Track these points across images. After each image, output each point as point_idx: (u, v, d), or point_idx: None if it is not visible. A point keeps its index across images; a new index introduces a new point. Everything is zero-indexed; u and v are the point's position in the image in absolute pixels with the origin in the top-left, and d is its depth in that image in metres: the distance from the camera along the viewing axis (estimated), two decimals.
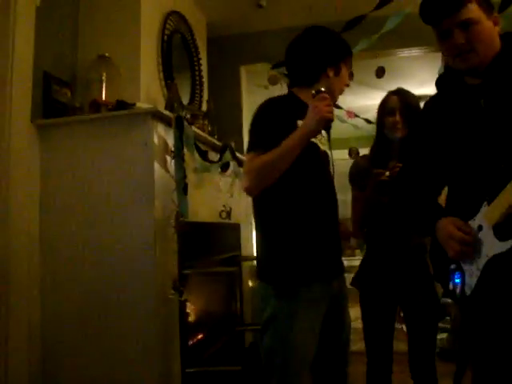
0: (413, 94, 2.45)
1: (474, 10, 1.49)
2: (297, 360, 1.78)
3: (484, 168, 1.48)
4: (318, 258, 1.84)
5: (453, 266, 1.52)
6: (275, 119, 1.81)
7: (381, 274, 2.32)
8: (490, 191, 1.40)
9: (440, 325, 4.81)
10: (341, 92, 1.96)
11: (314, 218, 1.85)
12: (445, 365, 2.97)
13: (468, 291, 1.46)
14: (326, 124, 1.76)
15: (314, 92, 1.76)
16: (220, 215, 3.51)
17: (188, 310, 3.14)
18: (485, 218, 1.41)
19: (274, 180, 1.76)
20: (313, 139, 1.81)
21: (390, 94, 2.44)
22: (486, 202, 1.41)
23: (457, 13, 1.49)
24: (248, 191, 1.83)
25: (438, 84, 1.71)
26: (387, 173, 2.21)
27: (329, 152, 1.96)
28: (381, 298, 2.31)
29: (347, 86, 1.97)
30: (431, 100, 1.74)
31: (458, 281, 1.51)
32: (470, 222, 1.47)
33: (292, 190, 1.84)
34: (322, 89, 1.76)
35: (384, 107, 2.42)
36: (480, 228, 1.43)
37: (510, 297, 1.41)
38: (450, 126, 1.59)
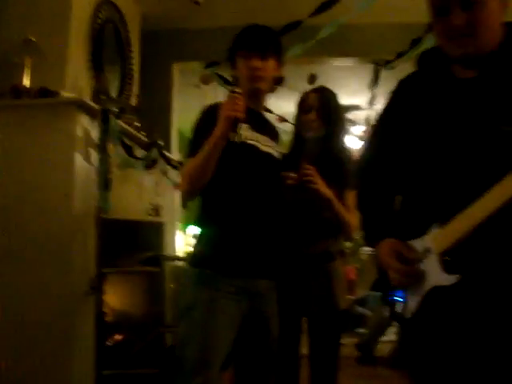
0: (333, 93, 2.36)
1: None
2: (209, 350, 1.78)
3: (446, 182, 1.30)
4: (240, 253, 1.87)
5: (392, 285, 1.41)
6: (202, 125, 1.91)
7: (283, 282, 2.15)
8: (444, 212, 1.24)
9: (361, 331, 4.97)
10: (250, 86, 1.93)
11: (239, 214, 1.89)
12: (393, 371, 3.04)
13: (408, 314, 1.36)
14: (233, 122, 1.78)
15: (230, 92, 1.86)
16: (149, 213, 3.44)
17: (106, 310, 3.04)
18: (434, 241, 1.27)
19: (205, 181, 1.83)
20: (251, 141, 1.90)
21: (310, 91, 2.36)
22: (437, 224, 1.26)
23: None
24: (186, 195, 1.97)
25: (420, 61, 1.47)
26: (293, 175, 2.08)
27: (274, 153, 1.99)
28: (283, 308, 2.13)
29: (253, 81, 1.92)
30: (407, 79, 1.49)
31: (399, 299, 1.40)
32: (417, 241, 1.32)
33: (221, 187, 1.90)
34: (236, 89, 1.83)
35: (301, 104, 2.34)
36: (427, 251, 1.29)
37: (446, 332, 1.32)
38: (419, 121, 1.38)
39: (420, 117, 1.38)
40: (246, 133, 1.91)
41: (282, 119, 5.13)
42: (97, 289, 2.65)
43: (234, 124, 1.78)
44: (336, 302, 2.19)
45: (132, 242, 3.30)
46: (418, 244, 1.32)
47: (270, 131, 2.05)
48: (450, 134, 1.30)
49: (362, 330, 4.89)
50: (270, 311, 1.95)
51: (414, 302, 1.34)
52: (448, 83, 1.36)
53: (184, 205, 2.03)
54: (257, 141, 1.93)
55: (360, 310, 5.45)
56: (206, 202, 1.96)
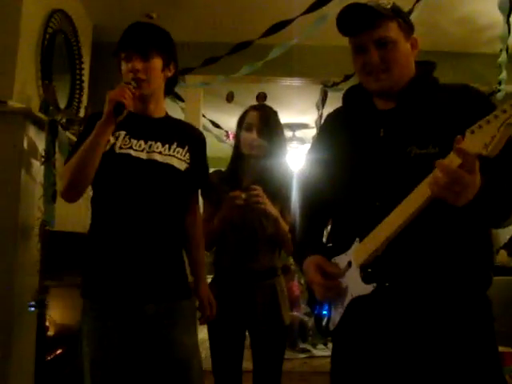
0: (274, 111, 2.35)
1: (393, 29, 1.39)
2: (94, 376, 1.70)
3: (362, 203, 1.42)
4: (113, 274, 1.75)
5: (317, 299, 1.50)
6: (86, 129, 1.81)
7: (228, 297, 2.17)
8: (362, 228, 1.35)
9: None
10: (135, 86, 1.76)
11: (113, 233, 1.78)
12: None
13: (331, 326, 1.46)
14: (116, 106, 1.65)
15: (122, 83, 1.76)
16: None
17: (48, 324, 2.98)
18: (354, 255, 1.37)
19: (87, 177, 1.71)
20: (124, 150, 1.78)
21: (251, 108, 2.34)
22: (357, 239, 1.37)
23: (375, 29, 1.39)
24: (62, 196, 1.79)
25: (344, 97, 1.59)
26: (243, 195, 2.12)
27: (159, 159, 1.83)
28: (227, 324, 2.18)
29: (128, 83, 1.74)
30: (334, 113, 1.65)
31: (324, 313, 1.49)
32: (341, 256, 1.42)
33: (95, 199, 1.84)
34: (132, 82, 1.73)
35: (242, 122, 2.30)
36: (349, 264, 1.39)
37: (365, 338, 1.42)
38: (343, 147, 1.51)
39: (343, 143, 1.52)
40: (121, 141, 1.80)
41: (232, 135, 5.20)
42: (39, 302, 2.59)
43: (117, 108, 1.65)
44: (281, 317, 2.22)
45: (78, 255, 3.25)
46: (342, 259, 1.43)
47: (170, 137, 1.89)
48: (368, 157, 1.44)
49: (304, 346, 4.96)
50: (173, 334, 1.80)
51: (337, 315, 1.44)
52: (369, 114, 1.50)
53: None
54: (134, 148, 1.80)
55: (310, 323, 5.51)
56: (91, 221, 1.85)
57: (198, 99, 4.74)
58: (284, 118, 6.22)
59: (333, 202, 1.54)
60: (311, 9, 3.04)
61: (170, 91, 2.01)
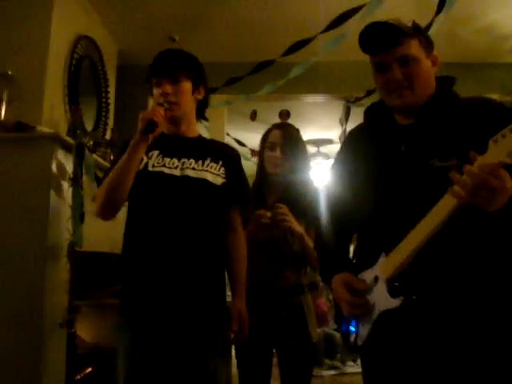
0: (296, 129, 2.39)
1: (414, 47, 1.42)
2: None
3: (387, 217, 1.43)
4: (150, 294, 1.76)
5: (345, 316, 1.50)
6: (121, 151, 1.86)
7: (255, 315, 2.09)
8: (388, 242, 1.37)
9: None
10: (167, 107, 1.82)
11: (144, 248, 1.80)
12: None
13: (360, 342, 1.46)
14: (147, 124, 1.71)
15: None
16: None
17: (78, 343, 3.02)
18: (381, 269, 1.38)
19: (121, 196, 1.76)
20: (157, 168, 1.82)
21: (273, 127, 2.39)
22: (383, 253, 1.38)
23: (396, 47, 1.41)
24: (97, 214, 1.84)
25: (366, 114, 1.63)
26: (268, 214, 2.16)
27: (192, 174, 1.85)
28: (255, 342, 2.13)
29: (160, 105, 1.82)
30: (356, 129, 1.69)
31: (352, 329, 1.49)
32: (368, 271, 1.43)
33: (130, 218, 1.87)
34: (165, 104, 1.81)
35: (265, 141, 2.35)
36: (376, 279, 1.40)
37: (396, 353, 1.42)
38: (365, 163, 1.54)
39: (366, 159, 1.54)
40: (154, 160, 1.85)
41: (257, 153, 5.23)
42: (69, 322, 2.63)
43: (149, 126, 1.71)
44: (309, 334, 2.22)
45: (107, 275, 3.30)
46: (369, 274, 1.43)
47: (203, 153, 1.91)
48: (391, 171, 1.46)
49: (332, 362, 4.91)
50: (207, 360, 1.79)
51: (365, 330, 1.44)
52: (390, 129, 1.53)
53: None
54: (167, 166, 1.83)
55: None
56: (124, 239, 1.88)
57: (221, 118, 4.79)
58: (308, 134, 6.26)
59: (357, 217, 1.56)
60: (331, 26, 3.07)
61: (202, 114, 2.05)
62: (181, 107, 1.87)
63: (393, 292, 1.34)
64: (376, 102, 1.60)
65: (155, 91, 1.87)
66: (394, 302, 1.33)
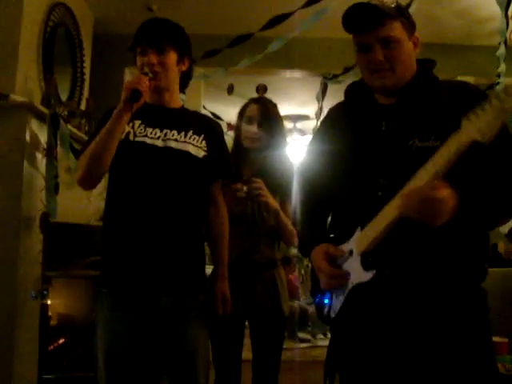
0: (274, 104, 2.38)
1: (396, 28, 1.43)
2: (107, 364, 1.74)
3: (364, 193, 1.47)
4: (133, 268, 1.77)
5: (321, 287, 1.53)
6: (102, 120, 1.83)
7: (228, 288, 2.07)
8: (364, 217, 1.40)
9: None
10: (151, 77, 1.80)
11: (130, 221, 1.79)
12: None
13: (332, 314, 1.50)
14: (133, 94, 1.68)
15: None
16: (99, 217, 3.41)
17: (50, 314, 3.02)
18: (356, 244, 1.42)
19: (103, 164, 1.74)
20: (139, 138, 1.80)
21: (251, 101, 2.37)
22: (359, 227, 1.41)
23: (379, 28, 1.42)
24: (79, 184, 1.82)
25: (346, 92, 1.64)
26: (244, 188, 2.15)
27: (174, 146, 1.84)
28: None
29: (145, 74, 1.79)
30: (336, 107, 1.69)
31: (326, 301, 1.52)
32: (344, 245, 1.46)
33: (110, 188, 1.86)
34: (149, 73, 1.78)
35: (242, 115, 2.33)
36: (351, 253, 1.43)
37: (367, 325, 1.46)
38: (345, 140, 1.55)
39: (345, 136, 1.56)
40: (136, 130, 1.83)
41: (233, 127, 5.21)
42: (41, 292, 2.62)
43: (134, 95, 1.68)
44: (281, 307, 2.25)
45: (80, 247, 3.29)
46: (345, 247, 1.47)
47: (185, 125, 1.90)
48: (370, 149, 1.49)
49: (303, 335, 5.01)
50: (186, 328, 1.81)
51: (338, 302, 1.48)
52: (371, 108, 1.54)
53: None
54: (149, 136, 1.82)
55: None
56: (105, 210, 1.87)
57: (198, 91, 4.76)
58: (285, 109, 6.26)
59: (334, 193, 1.59)
60: (311, 2, 3.05)
61: (185, 85, 2.03)
62: (165, 77, 1.85)
63: (366, 266, 1.38)
64: (356, 81, 1.61)
65: (139, 60, 1.84)
66: (367, 276, 1.37)
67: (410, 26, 1.48)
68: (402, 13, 1.47)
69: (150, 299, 1.77)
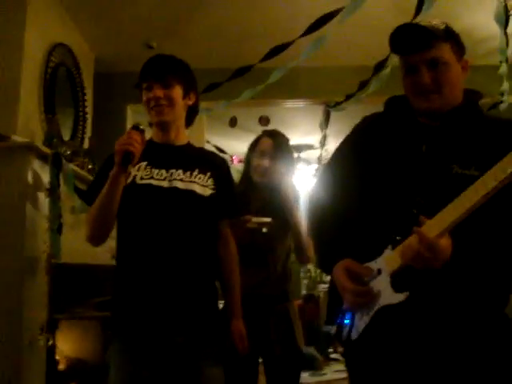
0: (287, 138, 2.38)
1: (445, 51, 1.41)
2: None
3: (398, 210, 1.41)
4: (141, 308, 1.74)
5: (345, 307, 1.45)
6: (101, 170, 1.86)
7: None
8: (396, 236, 1.34)
9: None
10: (156, 119, 1.86)
11: (135, 262, 1.79)
12: None
13: (354, 335, 1.42)
14: (123, 156, 1.66)
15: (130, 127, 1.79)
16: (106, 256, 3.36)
17: (58, 357, 2.95)
18: (385, 263, 1.36)
19: (107, 225, 1.79)
20: (145, 180, 1.79)
21: (264, 134, 2.36)
22: (390, 246, 1.35)
23: (428, 49, 1.39)
24: (89, 240, 1.86)
25: (387, 104, 1.61)
26: (254, 219, 2.14)
27: (180, 186, 1.82)
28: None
29: (157, 113, 1.83)
30: (372, 117, 1.63)
31: (347, 322, 1.45)
32: (371, 264, 1.40)
33: (120, 231, 1.87)
34: (140, 125, 1.74)
35: (254, 148, 2.34)
36: (379, 272, 1.37)
37: (392, 350, 1.39)
38: (381, 154, 1.51)
39: (382, 150, 1.51)
40: (142, 172, 1.82)
41: (237, 160, 5.21)
42: (48, 335, 2.57)
43: (126, 157, 1.65)
44: (296, 341, 2.20)
45: (87, 287, 3.24)
46: (372, 266, 1.40)
47: (191, 163, 1.88)
48: (408, 169, 1.44)
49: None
50: (201, 365, 1.78)
51: (362, 323, 1.40)
52: (413, 126, 1.50)
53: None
54: (155, 178, 1.81)
55: None
56: (117, 252, 1.88)
57: (201, 125, 4.75)
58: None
59: (360, 207, 1.52)
60: (310, 30, 3.05)
61: (191, 121, 2.02)
62: (172, 111, 1.85)
63: (396, 287, 1.32)
64: (398, 96, 1.57)
65: (145, 96, 1.85)
66: (398, 297, 1.30)
67: (459, 48, 1.46)
68: (451, 35, 1.45)
69: (165, 339, 1.74)
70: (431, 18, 1.51)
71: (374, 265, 1.39)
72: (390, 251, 1.35)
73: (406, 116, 1.52)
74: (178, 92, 1.86)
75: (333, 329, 1.50)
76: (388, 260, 1.35)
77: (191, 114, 1.99)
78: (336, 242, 1.55)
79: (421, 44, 1.40)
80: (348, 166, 1.58)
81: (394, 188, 1.44)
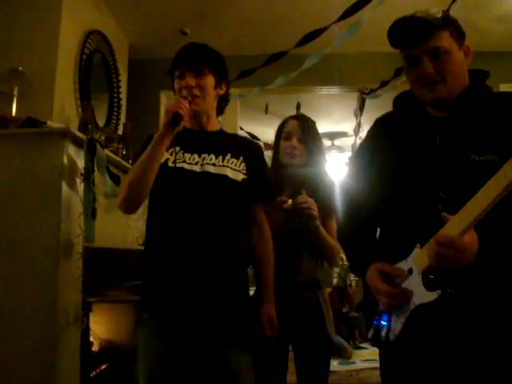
0: (312, 120, 2.35)
1: (445, 39, 1.39)
2: None
3: (422, 208, 1.40)
4: (173, 292, 1.76)
5: (380, 308, 1.45)
6: (144, 145, 1.84)
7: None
8: (424, 233, 1.32)
9: None
10: (190, 100, 1.81)
11: (170, 247, 1.79)
12: None
13: (392, 337, 1.41)
14: (174, 118, 1.69)
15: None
16: (137, 241, 3.41)
17: (92, 339, 3.01)
18: (415, 262, 1.34)
19: (144, 187, 1.73)
20: (177, 164, 1.81)
21: (290, 118, 2.35)
22: (419, 244, 1.34)
23: (427, 40, 1.39)
24: (120, 207, 1.82)
25: (395, 103, 1.61)
26: (290, 201, 2.11)
27: (212, 170, 1.83)
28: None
29: (185, 98, 1.80)
30: (384, 118, 1.64)
31: (384, 323, 1.44)
32: (401, 264, 1.39)
33: (151, 214, 1.87)
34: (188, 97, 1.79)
35: (281, 131, 2.32)
36: (410, 271, 1.36)
37: (431, 348, 1.38)
38: (396, 153, 1.50)
39: (395, 149, 1.51)
40: (175, 156, 1.83)
41: (270, 146, 5.19)
42: (82, 318, 2.62)
43: (174, 118, 1.69)
44: (326, 330, 2.19)
45: (120, 271, 3.29)
46: (402, 266, 1.39)
47: (223, 148, 1.89)
48: (426, 164, 1.43)
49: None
50: (226, 352, 1.77)
51: (398, 324, 1.39)
52: (423, 121, 1.49)
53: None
54: (187, 162, 1.83)
55: None
56: (146, 235, 1.89)
57: (234, 112, 4.75)
58: (322, 126, 6.18)
59: (383, 209, 1.52)
60: (344, 16, 3.01)
61: (222, 110, 2.02)
62: (203, 101, 1.85)
63: (428, 285, 1.30)
64: (406, 91, 1.56)
65: (177, 84, 1.85)
66: (431, 296, 1.29)
67: (459, 35, 1.44)
68: (449, 22, 1.42)
69: (189, 324, 1.75)
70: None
71: (405, 264, 1.38)
72: (419, 250, 1.34)
73: (415, 111, 1.52)
74: (210, 81, 1.86)
75: (370, 332, 1.48)
76: (417, 259, 1.34)
77: (222, 104, 1.99)
78: (365, 245, 1.57)
79: (420, 35, 1.39)
80: (368, 168, 1.58)
81: (415, 185, 1.43)
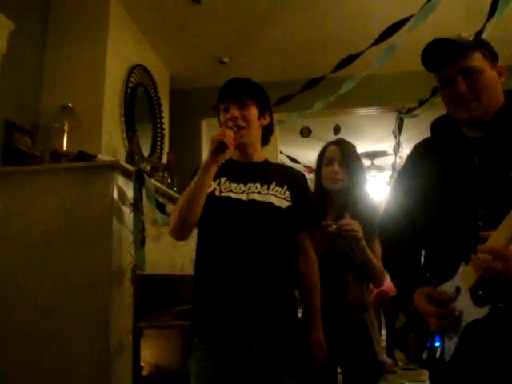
0: (352, 145, 2.38)
1: (477, 59, 1.43)
2: None
3: (463, 226, 1.42)
4: (223, 316, 1.78)
5: (432, 330, 1.45)
6: (195, 173, 1.89)
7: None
8: (468, 251, 1.32)
9: None
10: (235, 131, 1.85)
11: (219, 274, 1.82)
12: None
13: (447, 357, 1.39)
14: (218, 145, 1.74)
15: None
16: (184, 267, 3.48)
17: (142, 364, 3.07)
18: (461, 280, 1.35)
19: (194, 214, 1.79)
20: (224, 193, 1.85)
21: (330, 143, 2.38)
22: (463, 263, 1.35)
23: (460, 60, 1.42)
24: (171, 234, 1.88)
25: (433, 128, 1.64)
26: (334, 225, 2.12)
27: (257, 198, 1.87)
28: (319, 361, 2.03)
29: (228, 128, 1.84)
30: (422, 143, 1.67)
31: (437, 344, 1.43)
32: (448, 284, 1.40)
33: (200, 242, 1.91)
34: (233, 127, 1.84)
35: (322, 157, 2.35)
36: (458, 290, 1.36)
37: (487, 364, 1.36)
38: (436, 176, 1.53)
39: (435, 172, 1.53)
40: (221, 186, 1.88)
41: (311, 169, 5.22)
42: (133, 343, 2.68)
43: (219, 146, 1.74)
44: (375, 352, 2.18)
45: (168, 297, 3.35)
46: (449, 285, 1.40)
47: (268, 177, 1.93)
48: (466, 184, 1.45)
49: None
50: (278, 375, 1.78)
51: (452, 344, 1.38)
52: (461, 143, 1.51)
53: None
54: (234, 191, 1.87)
55: None
56: (196, 262, 1.93)
57: (274, 136, 4.78)
58: (361, 147, 6.22)
59: (426, 231, 1.54)
60: (380, 40, 3.04)
61: (268, 140, 2.07)
62: (248, 131, 1.90)
63: (478, 301, 1.31)
64: (442, 116, 1.59)
65: (222, 117, 1.92)
66: (481, 312, 1.29)
67: (491, 55, 1.47)
68: (481, 44, 1.46)
69: (242, 347, 1.77)
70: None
71: (452, 283, 1.39)
72: (464, 267, 1.35)
73: (452, 134, 1.54)
74: (253, 112, 1.92)
75: (424, 353, 1.48)
76: (464, 276, 1.35)
77: (267, 134, 2.04)
78: (410, 270, 1.58)
79: (452, 56, 1.43)
80: (409, 193, 1.60)
81: (456, 205, 1.45)
